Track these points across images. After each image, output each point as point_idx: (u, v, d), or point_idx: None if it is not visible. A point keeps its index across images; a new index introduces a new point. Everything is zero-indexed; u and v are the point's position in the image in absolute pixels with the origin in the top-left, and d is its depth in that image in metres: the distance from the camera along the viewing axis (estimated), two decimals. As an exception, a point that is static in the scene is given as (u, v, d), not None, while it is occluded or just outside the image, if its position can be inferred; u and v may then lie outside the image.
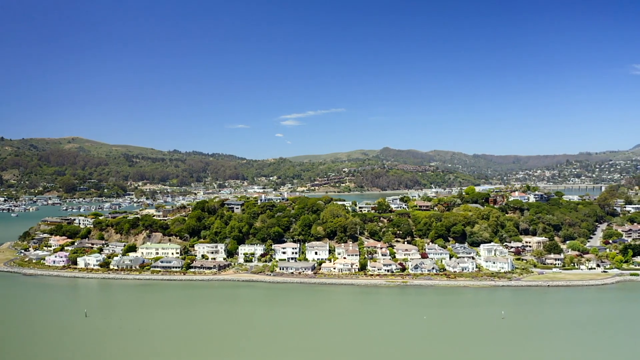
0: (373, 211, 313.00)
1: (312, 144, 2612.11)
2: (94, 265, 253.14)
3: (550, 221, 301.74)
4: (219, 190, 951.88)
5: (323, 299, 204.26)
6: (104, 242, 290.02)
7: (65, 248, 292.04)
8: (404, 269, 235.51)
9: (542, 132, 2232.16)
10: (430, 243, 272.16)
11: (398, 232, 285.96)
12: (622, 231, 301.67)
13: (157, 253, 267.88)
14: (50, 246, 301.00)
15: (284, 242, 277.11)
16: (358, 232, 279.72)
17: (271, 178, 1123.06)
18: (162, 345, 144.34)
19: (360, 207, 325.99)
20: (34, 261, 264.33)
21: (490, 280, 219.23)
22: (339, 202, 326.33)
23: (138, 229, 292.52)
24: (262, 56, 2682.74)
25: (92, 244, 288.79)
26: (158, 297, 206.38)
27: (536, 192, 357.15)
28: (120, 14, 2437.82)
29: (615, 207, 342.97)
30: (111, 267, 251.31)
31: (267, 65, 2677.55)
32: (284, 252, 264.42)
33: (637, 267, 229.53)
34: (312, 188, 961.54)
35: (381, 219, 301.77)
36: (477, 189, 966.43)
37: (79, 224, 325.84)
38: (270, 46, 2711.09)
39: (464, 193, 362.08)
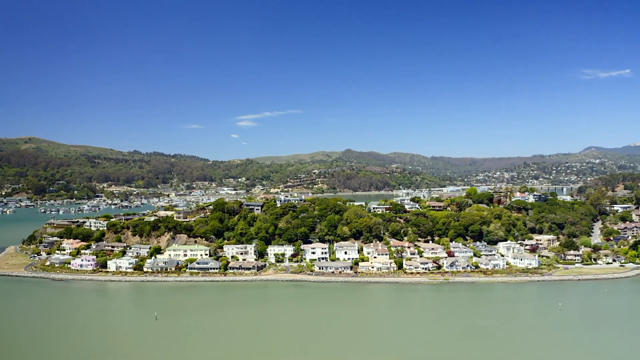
0: (388, 211, 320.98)
1: (269, 146, 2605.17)
2: (126, 268, 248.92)
3: (554, 220, 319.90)
4: (190, 192, 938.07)
5: (380, 297, 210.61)
6: (125, 244, 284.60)
7: (82, 251, 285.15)
8: (439, 267, 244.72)
9: (497, 135, 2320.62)
10: (453, 242, 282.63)
11: (418, 231, 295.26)
12: (618, 229, 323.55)
13: (185, 255, 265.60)
14: (64, 250, 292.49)
15: (311, 242, 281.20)
16: (382, 232, 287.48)
17: (239, 179, 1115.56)
18: (245, 344, 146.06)
19: (373, 208, 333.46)
20: (57, 265, 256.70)
21: (524, 276, 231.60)
22: (355, 204, 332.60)
23: (160, 230, 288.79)
24: (216, 55, 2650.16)
25: (113, 247, 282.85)
26: (217, 298, 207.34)
27: (535, 193, 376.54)
28: (72, 11, 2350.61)
29: (604, 207, 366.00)
30: (145, 269, 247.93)
31: (222, 65, 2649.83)
32: (313, 252, 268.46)
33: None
34: (286, 189, 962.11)
35: (397, 219, 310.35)
36: (446, 189, 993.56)
37: (90, 226, 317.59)
38: (225, 45, 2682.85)
39: (465, 193, 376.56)
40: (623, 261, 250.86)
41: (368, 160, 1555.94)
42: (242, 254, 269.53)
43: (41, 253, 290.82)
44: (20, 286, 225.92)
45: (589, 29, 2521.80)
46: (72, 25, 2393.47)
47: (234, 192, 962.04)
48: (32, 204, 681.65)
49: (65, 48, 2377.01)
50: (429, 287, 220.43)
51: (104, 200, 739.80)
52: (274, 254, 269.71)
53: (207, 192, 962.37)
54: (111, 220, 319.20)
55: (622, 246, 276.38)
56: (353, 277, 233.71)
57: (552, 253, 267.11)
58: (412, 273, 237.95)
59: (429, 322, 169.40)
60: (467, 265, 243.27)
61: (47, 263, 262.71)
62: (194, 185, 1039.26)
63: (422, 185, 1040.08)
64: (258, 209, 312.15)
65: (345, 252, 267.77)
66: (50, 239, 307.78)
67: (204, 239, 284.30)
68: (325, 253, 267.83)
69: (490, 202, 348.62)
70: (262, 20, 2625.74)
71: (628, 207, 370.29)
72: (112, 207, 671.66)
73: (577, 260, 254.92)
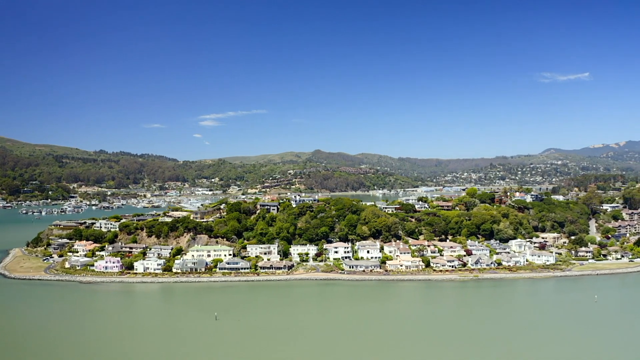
0: (399, 211, 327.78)
1: (235, 146, 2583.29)
2: (154, 270, 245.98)
3: (555, 219, 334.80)
4: (165, 193, 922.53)
5: (419, 294, 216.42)
6: (143, 246, 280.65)
7: (97, 253, 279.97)
8: (464, 264, 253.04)
9: (461, 137, 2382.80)
10: (469, 240, 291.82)
11: (433, 230, 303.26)
12: (613, 227, 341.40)
13: (209, 255, 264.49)
14: (77, 252, 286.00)
15: (331, 241, 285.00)
16: (399, 231, 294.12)
17: (213, 180, 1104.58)
18: (311, 341, 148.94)
19: (383, 208, 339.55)
20: (78, 268, 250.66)
21: (546, 272, 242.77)
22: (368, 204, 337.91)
23: (178, 231, 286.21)
24: (178, 54, 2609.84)
25: (131, 248, 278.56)
26: (264, 297, 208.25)
27: (532, 193, 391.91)
28: (28, 9, 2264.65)
29: (596, 206, 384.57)
30: (174, 270, 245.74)
31: (184, 64, 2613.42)
32: (336, 252, 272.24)
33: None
34: (264, 190, 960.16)
35: (409, 218, 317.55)
36: (420, 189, 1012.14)
37: (100, 227, 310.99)
38: (187, 44, 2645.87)
39: (465, 194, 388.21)
40: (631, 256, 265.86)
41: (338, 160, 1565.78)
42: (265, 253, 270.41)
43: (53, 255, 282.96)
44: (50, 290, 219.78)
45: (549, 33, 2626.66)
46: (30, 22, 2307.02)
47: (210, 192, 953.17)
48: (9, 204, 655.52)
49: (24, 46, 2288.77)
50: (461, 283, 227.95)
51: (81, 201, 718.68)
52: (298, 254, 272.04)
53: (182, 192, 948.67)
54: (123, 221, 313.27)
55: (625, 243, 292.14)
56: (385, 275, 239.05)
57: (564, 250, 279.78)
58: (440, 271, 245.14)
59: (478, 317, 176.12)
60: (491, 263, 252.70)
61: (67, 265, 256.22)
62: (167, 186, 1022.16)
63: (395, 186, 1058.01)
64: (274, 209, 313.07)
65: (368, 251, 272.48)
66: (59, 240, 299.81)
67: (225, 239, 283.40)
68: (348, 252, 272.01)
69: (492, 202, 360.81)
70: (224, 19, 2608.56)
71: (616, 206, 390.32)
72: (93, 208, 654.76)
73: (588, 257, 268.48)
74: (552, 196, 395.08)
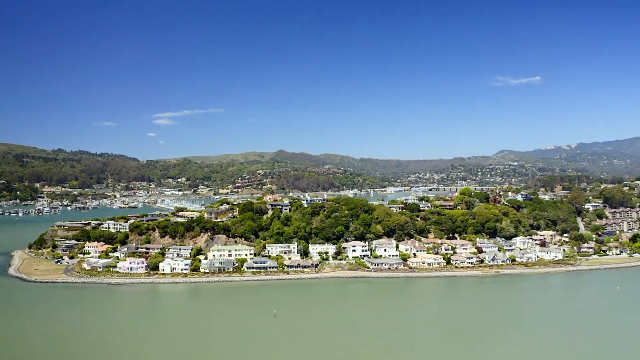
0: (406, 210, 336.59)
1: (191, 145, 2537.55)
2: (182, 270, 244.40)
3: (548, 217, 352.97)
4: (134, 193, 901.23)
5: (451, 289, 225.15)
6: (160, 246, 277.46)
7: (110, 254, 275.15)
8: (481, 261, 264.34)
9: (420, 138, 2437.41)
10: (478, 239, 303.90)
11: (441, 229, 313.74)
12: (600, 224, 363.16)
13: (230, 255, 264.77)
14: (89, 253, 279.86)
15: (347, 240, 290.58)
16: (411, 230, 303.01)
17: (179, 180, 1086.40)
18: (377, 336, 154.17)
19: (389, 207, 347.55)
20: (100, 269, 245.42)
21: (559, 267, 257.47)
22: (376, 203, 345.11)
23: (194, 231, 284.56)
24: (131, 50, 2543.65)
25: (148, 249, 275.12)
26: (309, 295, 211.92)
27: (522, 193, 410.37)
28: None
29: (581, 205, 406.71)
30: (202, 270, 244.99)
31: (138, 60, 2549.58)
32: (354, 250, 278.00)
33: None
34: (235, 190, 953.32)
35: (416, 217, 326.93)
36: (389, 189, 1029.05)
37: (109, 228, 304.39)
38: (139, 39, 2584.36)
39: (459, 193, 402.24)
40: (629, 252, 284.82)
41: (301, 160, 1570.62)
42: (285, 253, 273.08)
43: (63, 257, 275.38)
44: (80, 292, 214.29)
45: (501, 38, 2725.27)
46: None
47: (179, 192, 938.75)
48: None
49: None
50: (484, 279, 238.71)
51: (51, 202, 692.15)
52: (318, 252, 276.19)
53: (150, 192, 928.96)
54: (132, 221, 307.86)
55: (619, 239, 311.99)
56: (411, 272, 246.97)
57: (567, 247, 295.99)
58: (462, 267, 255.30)
59: (517, 309, 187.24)
60: (507, 259, 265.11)
61: (86, 267, 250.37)
62: (132, 186, 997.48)
63: (364, 186, 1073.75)
64: (287, 209, 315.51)
65: (385, 250, 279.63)
66: (67, 242, 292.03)
67: (243, 238, 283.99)
68: (366, 250, 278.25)
69: (487, 201, 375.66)
70: (177, 15, 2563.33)
71: (597, 205, 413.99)
72: (68, 208, 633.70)
73: (590, 252, 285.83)
74: (539, 196, 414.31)
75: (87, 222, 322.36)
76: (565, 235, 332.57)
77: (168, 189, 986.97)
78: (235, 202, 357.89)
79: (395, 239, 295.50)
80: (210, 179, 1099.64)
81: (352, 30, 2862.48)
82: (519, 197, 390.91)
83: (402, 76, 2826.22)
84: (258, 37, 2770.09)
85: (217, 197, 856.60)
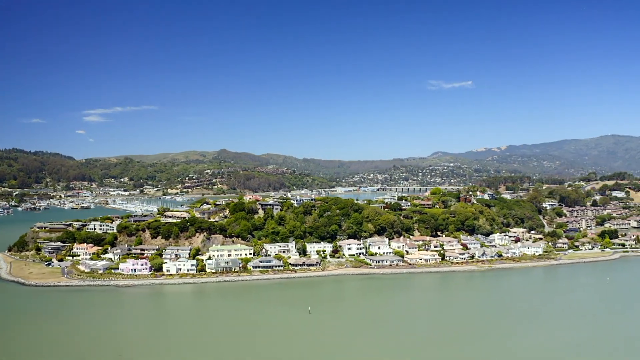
0: (388, 209, 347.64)
1: (125, 143, 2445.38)
2: (188, 270, 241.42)
3: (516, 215, 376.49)
4: (78, 193, 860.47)
5: (457, 283, 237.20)
6: (155, 247, 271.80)
7: (102, 256, 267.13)
8: (472, 256, 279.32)
9: (360, 139, 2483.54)
10: (463, 236, 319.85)
11: (426, 227, 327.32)
12: (562, 222, 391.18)
13: (229, 255, 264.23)
14: (78, 255, 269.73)
15: (340, 239, 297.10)
16: (400, 228, 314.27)
17: (122, 180, 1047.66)
18: (409, 329, 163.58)
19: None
20: (100, 272, 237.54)
21: (544, 261, 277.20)
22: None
23: (189, 232, 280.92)
24: (60, 43, 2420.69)
25: (143, 250, 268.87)
26: (328, 291, 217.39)
27: (488, 192, 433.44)
28: None
29: (541, 204, 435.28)
30: (208, 270, 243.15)
31: (66, 54, 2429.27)
32: (349, 248, 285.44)
33: (618, 246, 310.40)
34: (185, 190, 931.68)
35: (401, 216, 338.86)
36: (339, 189, 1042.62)
37: (95, 229, 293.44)
38: (67, 31, 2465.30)
39: (430, 193, 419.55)
40: (600, 247, 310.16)
41: (244, 160, 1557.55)
42: (284, 252, 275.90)
43: (52, 260, 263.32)
44: (89, 295, 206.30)
45: (434, 43, 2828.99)
46: None
47: (125, 193, 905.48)
48: None
49: None
50: (482, 273, 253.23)
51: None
52: (316, 251, 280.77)
53: (95, 193, 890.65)
54: (118, 222, 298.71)
55: (586, 236, 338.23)
56: (413, 269, 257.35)
57: (542, 242, 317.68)
58: (457, 263, 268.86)
59: (525, 300, 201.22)
60: (494, 254, 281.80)
61: (86, 269, 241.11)
62: (72, 186, 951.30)
63: (313, 186, 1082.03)
64: (278, 209, 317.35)
65: (379, 247, 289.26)
66: (52, 244, 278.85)
67: (240, 238, 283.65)
68: (361, 248, 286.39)
69: (457, 200, 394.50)
70: (108, 10, 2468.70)
71: (553, 204, 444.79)
72: (19, 209, 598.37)
73: (565, 248, 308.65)
74: (502, 195, 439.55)
75: (68, 223, 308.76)
76: (532, 232, 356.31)
77: (111, 189, 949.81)
78: (218, 202, 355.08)
79: (386, 237, 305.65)
80: (154, 178, 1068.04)
81: (292, 30, 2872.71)
82: (486, 197, 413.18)
83: (341, 78, 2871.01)
84: (191, 35, 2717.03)
85: (169, 197, 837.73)
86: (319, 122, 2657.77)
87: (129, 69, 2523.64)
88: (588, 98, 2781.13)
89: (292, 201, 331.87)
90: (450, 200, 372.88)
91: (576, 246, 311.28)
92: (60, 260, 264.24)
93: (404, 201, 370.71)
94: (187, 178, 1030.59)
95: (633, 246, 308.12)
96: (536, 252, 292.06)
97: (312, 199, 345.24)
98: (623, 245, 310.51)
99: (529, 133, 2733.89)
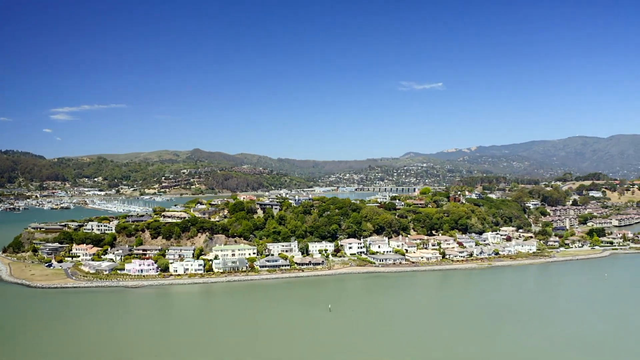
0: (382, 209, 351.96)
1: (95, 142, 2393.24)
2: (195, 270, 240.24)
3: (504, 214, 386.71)
4: (53, 193, 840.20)
5: (464, 280, 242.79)
6: (158, 247, 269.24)
7: (102, 256, 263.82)
8: (470, 254, 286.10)
9: (335, 140, 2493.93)
10: (458, 234, 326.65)
11: (422, 226, 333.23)
12: (547, 220, 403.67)
13: (233, 254, 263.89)
14: (78, 256, 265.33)
15: (339, 238, 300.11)
16: (397, 227, 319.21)
17: (96, 179, 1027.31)
18: (427, 326, 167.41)
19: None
20: (106, 272, 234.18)
21: (539, 259, 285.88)
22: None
23: (191, 232, 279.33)
24: (25, 39, 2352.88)
25: (145, 250, 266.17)
26: (345, 289, 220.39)
27: (475, 192, 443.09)
28: None
29: (524, 204, 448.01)
30: (215, 270, 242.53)
31: (32, 49, 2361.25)
32: (350, 247, 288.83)
33: (606, 244, 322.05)
34: (162, 190, 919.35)
35: (397, 216, 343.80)
36: (318, 189, 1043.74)
37: (92, 229, 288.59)
38: (36, 28, 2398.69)
39: (420, 193, 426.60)
40: (589, 245, 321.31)
41: (219, 160, 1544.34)
42: (287, 251, 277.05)
43: (52, 261, 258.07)
44: (104, 297, 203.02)
45: (406, 43, 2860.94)
46: None
47: (101, 193, 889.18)
48: None
49: None
50: (483, 270, 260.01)
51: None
52: (318, 250, 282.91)
53: (70, 193, 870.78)
54: (115, 222, 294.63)
55: (573, 234, 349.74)
56: (416, 267, 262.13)
57: (533, 241, 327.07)
58: (457, 261, 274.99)
59: (533, 295, 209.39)
60: (492, 252, 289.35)
61: (90, 270, 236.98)
62: (46, 185, 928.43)
63: (291, 186, 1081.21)
64: (277, 208, 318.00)
65: (379, 246, 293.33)
66: (50, 245, 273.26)
67: (242, 238, 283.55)
68: (362, 247, 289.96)
69: (447, 200, 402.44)
70: (79, 7, 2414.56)
71: (536, 203, 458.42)
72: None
73: (556, 245, 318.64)
74: (488, 195, 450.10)
75: (63, 223, 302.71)
76: (520, 230, 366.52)
77: (86, 189, 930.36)
78: (213, 202, 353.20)
79: (384, 236, 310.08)
80: (129, 178, 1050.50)
81: (265, 30, 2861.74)
82: (474, 196, 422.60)
83: (314, 78, 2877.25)
84: (159, 33, 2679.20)
85: (147, 197, 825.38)
86: (292, 122, 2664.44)
87: (97, 67, 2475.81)
88: (556, 100, 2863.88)
89: (290, 201, 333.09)
90: (442, 200, 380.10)
91: (566, 244, 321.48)
92: (60, 261, 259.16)
93: (397, 201, 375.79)
94: (163, 178, 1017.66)
95: (621, 244, 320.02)
96: (530, 249, 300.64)
97: (309, 199, 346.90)
98: (611, 243, 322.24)
99: (498, 134, 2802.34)
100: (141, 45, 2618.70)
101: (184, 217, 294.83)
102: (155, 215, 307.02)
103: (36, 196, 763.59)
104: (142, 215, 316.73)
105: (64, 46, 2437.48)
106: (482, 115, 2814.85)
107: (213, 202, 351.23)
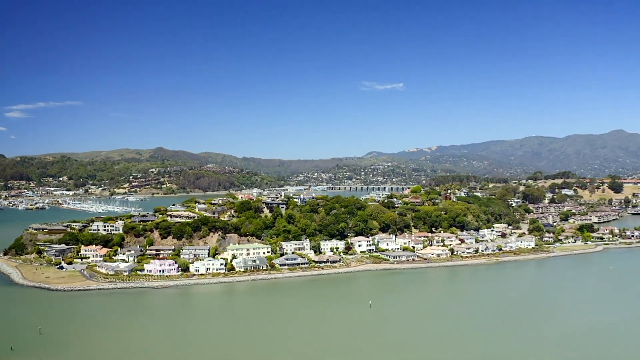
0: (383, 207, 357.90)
1: (50, 140, 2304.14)
2: (217, 270, 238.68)
3: (494, 212, 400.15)
4: (20, 193, 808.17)
5: (480, 275, 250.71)
6: (171, 248, 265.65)
7: (113, 257, 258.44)
8: (476, 250, 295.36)
9: (299, 139, 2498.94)
10: (459, 231, 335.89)
11: (423, 223, 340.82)
12: (534, 217, 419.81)
13: (248, 253, 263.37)
14: (87, 257, 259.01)
15: (347, 236, 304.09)
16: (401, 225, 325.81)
17: (60, 179, 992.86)
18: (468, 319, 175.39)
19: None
20: (125, 273, 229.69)
21: (539, 254, 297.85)
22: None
23: (202, 231, 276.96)
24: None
25: (158, 250, 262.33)
26: (377, 286, 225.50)
27: (463, 190, 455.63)
28: None
29: (508, 202, 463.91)
30: (237, 269, 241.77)
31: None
32: (359, 245, 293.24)
33: (598, 239, 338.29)
34: (134, 190, 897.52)
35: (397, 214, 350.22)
36: (291, 188, 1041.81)
37: (98, 230, 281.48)
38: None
39: (410, 191, 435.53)
40: (580, 240, 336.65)
41: (183, 159, 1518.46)
42: (299, 249, 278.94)
43: (61, 263, 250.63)
44: (134, 298, 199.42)
45: (367, 43, 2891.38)
46: None
47: (70, 193, 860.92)
48: None
49: None
50: (492, 266, 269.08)
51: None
52: (330, 248, 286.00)
53: (38, 192, 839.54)
54: (120, 222, 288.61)
55: (563, 230, 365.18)
56: (429, 263, 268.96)
57: (529, 237, 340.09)
58: (466, 257, 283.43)
59: (550, 288, 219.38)
60: (496, 248, 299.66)
61: (109, 272, 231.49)
62: (11, 185, 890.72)
63: (263, 185, 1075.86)
64: (284, 207, 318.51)
65: (387, 244, 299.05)
66: (56, 246, 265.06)
67: (254, 237, 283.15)
68: (371, 245, 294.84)
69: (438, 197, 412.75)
70: (30, 2, 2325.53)
71: (518, 201, 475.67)
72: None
73: (551, 241, 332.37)
74: (474, 193, 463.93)
75: (66, 224, 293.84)
76: (509, 227, 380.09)
77: (52, 189, 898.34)
78: (214, 202, 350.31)
79: (390, 233, 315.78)
80: (95, 177, 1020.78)
81: (226, 28, 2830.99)
82: (462, 194, 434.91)
83: (277, 78, 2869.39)
84: (114, 29, 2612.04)
85: (120, 197, 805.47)
86: (257, 121, 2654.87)
87: (51, 63, 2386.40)
88: (513, 100, 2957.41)
89: (296, 200, 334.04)
90: (437, 198, 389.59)
91: (560, 240, 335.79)
92: (69, 263, 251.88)
93: (395, 199, 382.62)
94: (131, 177, 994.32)
95: (611, 239, 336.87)
96: (529, 245, 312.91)
97: (313, 198, 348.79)
98: (601, 238, 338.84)
99: (457, 134, 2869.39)
100: (95, 42, 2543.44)
101: (193, 217, 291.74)
102: (161, 216, 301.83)
103: (6, 196, 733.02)
104: (144, 215, 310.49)
105: (15, 42, 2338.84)
106: (442, 115, 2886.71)
107: (213, 202, 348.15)
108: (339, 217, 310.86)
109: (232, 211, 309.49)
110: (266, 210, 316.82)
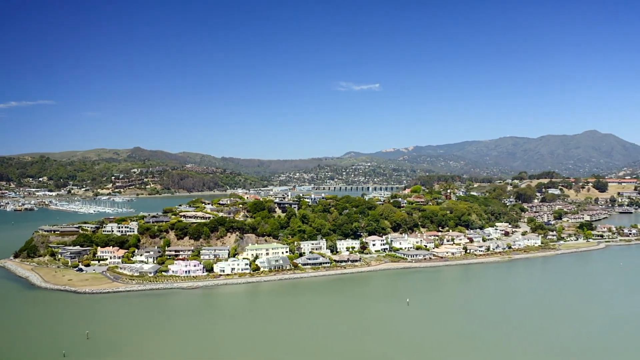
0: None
1: (24, 139, 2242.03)
2: (242, 270, 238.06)
3: (494, 211, 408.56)
4: (3, 194, 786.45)
5: (498, 272, 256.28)
6: (190, 248, 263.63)
7: (131, 259, 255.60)
8: (488, 248, 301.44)
9: (278, 139, 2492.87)
10: (467, 230, 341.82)
11: (431, 222, 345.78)
12: (530, 216, 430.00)
13: (267, 253, 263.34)
14: (105, 259, 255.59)
15: (360, 235, 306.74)
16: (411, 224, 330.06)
17: (41, 179, 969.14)
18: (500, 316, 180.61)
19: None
20: (150, 275, 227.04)
21: (547, 251, 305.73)
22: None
23: (220, 232, 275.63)
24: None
25: (177, 251, 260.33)
26: (404, 284, 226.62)
27: (462, 190, 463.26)
28: None
29: (504, 201, 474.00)
30: (261, 269, 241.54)
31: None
32: (374, 244, 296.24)
33: (599, 237, 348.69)
34: (117, 190, 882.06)
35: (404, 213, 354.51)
36: (275, 189, 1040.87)
37: (112, 231, 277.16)
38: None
39: (410, 191, 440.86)
40: (582, 238, 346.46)
41: (161, 159, 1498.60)
42: (317, 249, 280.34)
43: (79, 265, 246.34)
44: (166, 299, 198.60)
45: (344, 44, 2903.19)
46: None
47: (52, 193, 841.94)
48: None
49: None
50: (506, 263, 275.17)
51: None
52: (345, 248, 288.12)
53: (21, 193, 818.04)
54: (133, 223, 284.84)
55: (563, 228, 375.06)
56: (446, 261, 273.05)
57: (532, 235, 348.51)
58: (479, 255, 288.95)
59: (581, 283, 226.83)
60: (505, 247, 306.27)
61: (134, 273, 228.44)
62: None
63: (247, 185, 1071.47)
64: (295, 207, 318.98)
65: (400, 243, 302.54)
66: (71, 248, 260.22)
67: (271, 237, 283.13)
68: (384, 244, 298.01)
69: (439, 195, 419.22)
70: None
71: (511, 200, 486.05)
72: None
73: (555, 239, 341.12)
74: (471, 193, 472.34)
75: (77, 225, 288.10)
76: (509, 226, 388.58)
77: (32, 189, 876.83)
78: (222, 202, 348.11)
79: (400, 233, 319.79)
80: (75, 178, 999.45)
81: (206, 27, 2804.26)
82: (460, 194, 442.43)
83: (255, 78, 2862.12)
84: (89, 26, 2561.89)
85: (105, 197, 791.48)
86: (235, 121, 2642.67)
87: (23, 62, 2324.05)
88: (487, 101, 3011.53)
89: (307, 200, 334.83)
90: (440, 198, 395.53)
91: (563, 237, 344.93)
92: (87, 265, 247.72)
93: (400, 199, 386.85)
94: (113, 177, 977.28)
95: (611, 237, 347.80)
96: (535, 243, 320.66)
97: (323, 198, 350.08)
98: (602, 236, 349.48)
99: (434, 134, 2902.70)
100: (66, 41, 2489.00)
101: (207, 217, 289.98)
102: (174, 217, 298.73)
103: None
104: (154, 216, 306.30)
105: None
106: (418, 116, 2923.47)
107: (222, 202, 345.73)
108: (352, 217, 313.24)
109: (245, 211, 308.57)
110: (278, 211, 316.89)
